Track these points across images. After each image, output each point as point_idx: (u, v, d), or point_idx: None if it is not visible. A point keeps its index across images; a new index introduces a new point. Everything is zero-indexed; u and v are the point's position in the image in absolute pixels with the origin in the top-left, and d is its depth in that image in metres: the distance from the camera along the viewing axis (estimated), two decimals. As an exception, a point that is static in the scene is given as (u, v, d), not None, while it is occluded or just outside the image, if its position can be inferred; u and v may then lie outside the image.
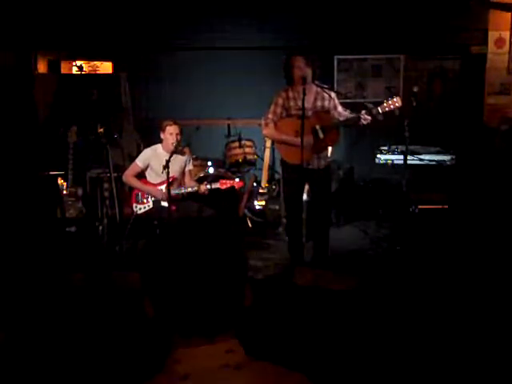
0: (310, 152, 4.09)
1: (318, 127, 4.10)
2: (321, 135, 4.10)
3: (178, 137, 4.54)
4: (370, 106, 4.12)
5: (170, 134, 4.54)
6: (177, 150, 4.45)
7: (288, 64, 4.14)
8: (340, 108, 4.27)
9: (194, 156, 5.75)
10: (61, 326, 3.14)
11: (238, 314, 1.01)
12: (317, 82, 4.21)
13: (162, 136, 4.61)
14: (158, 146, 4.67)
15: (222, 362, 0.96)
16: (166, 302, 0.97)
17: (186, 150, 4.81)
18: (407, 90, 6.43)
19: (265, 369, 0.99)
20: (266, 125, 4.25)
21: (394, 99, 4.04)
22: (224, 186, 4.57)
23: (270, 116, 4.22)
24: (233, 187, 4.75)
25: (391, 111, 4.05)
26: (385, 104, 4.05)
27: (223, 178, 4.97)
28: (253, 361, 1.00)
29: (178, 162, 4.64)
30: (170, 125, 4.56)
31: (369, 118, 4.06)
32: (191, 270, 0.96)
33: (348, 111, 4.26)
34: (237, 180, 4.79)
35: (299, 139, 3.93)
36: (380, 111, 4.05)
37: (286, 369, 1.00)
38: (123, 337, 3.00)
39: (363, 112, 4.07)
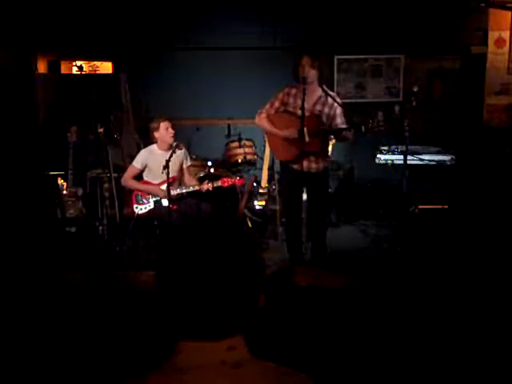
0: (294, 151, 4.11)
1: (305, 130, 4.04)
2: (306, 139, 4.05)
3: (172, 130, 4.61)
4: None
5: (166, 128, 4.60)
6: (174, 146, 4.44)
7: (296, 62, 4.14)
8: (339, 120, 4.16)
9: (193, 156, 5.76)
10: (61, 326, 3.14)
11: (250, 318, 0.99)
12: (324, 87, 4.18)
13: (156, 135, 4.63)
14: (153, 147, 4.69)
15: (221, 358, 0.93)
16: (179, 301, 0.95)
17: (182, 145, 4.83)
18: (407, 90, 6.45)
19: (265, 369, 0.96)
20: (260, 114, 4.30)
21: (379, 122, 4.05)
22: (226, 184, 4.62)
23: (267, 107, 4.29)
24: (234, 185, 4.78)
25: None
26: (370, 125, 4.06)
27: (224, 176, 5.00)
28: (254, 360, 0.97)
29: (176, 160, 4.64)
30: (163, 121, 4.62)
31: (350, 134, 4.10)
32: (206, 271, 0.94)
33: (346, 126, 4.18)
34: (238, 178, 4.82)
35: (284, 132, 4.13)
36: (363, 130, 4.04)
37: (291, 369, 0.98)
38: (124, 335, 3.00)
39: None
